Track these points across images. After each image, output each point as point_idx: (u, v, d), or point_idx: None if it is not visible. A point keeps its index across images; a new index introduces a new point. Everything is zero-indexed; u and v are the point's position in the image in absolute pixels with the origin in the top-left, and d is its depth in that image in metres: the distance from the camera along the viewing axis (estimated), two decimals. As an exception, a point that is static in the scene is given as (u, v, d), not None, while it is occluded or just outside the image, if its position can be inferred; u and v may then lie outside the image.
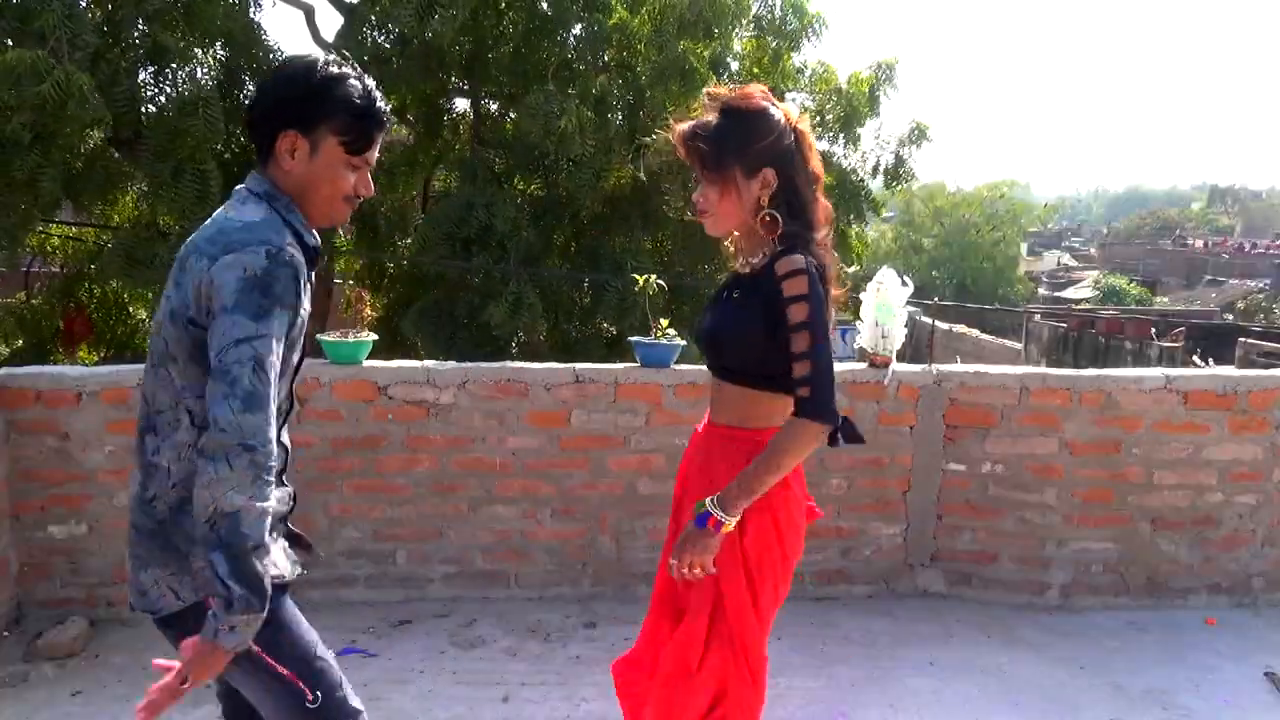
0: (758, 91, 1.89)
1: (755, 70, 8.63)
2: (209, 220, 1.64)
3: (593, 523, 3.81)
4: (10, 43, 5.00)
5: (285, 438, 1.76)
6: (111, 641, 3.41)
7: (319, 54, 1.69)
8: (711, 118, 1.87)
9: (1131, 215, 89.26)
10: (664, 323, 3.88)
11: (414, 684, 3.14)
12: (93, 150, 6.50)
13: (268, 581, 1.51)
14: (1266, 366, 13.58)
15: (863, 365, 3.82)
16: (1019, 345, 23.14)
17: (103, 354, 9.42)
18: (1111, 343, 20.68)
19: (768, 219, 1.85)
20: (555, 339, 8.59)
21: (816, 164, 1.92)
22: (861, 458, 3.84)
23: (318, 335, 3.75)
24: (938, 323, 22.54)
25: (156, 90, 6.11)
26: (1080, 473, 3.79)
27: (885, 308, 3.72)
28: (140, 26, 5.76)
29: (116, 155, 6.87)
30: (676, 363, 3.80)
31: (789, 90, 8.94)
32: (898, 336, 3.76)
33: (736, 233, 1.96)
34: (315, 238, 1.70)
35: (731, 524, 1.83)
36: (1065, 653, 3.47)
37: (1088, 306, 30.46)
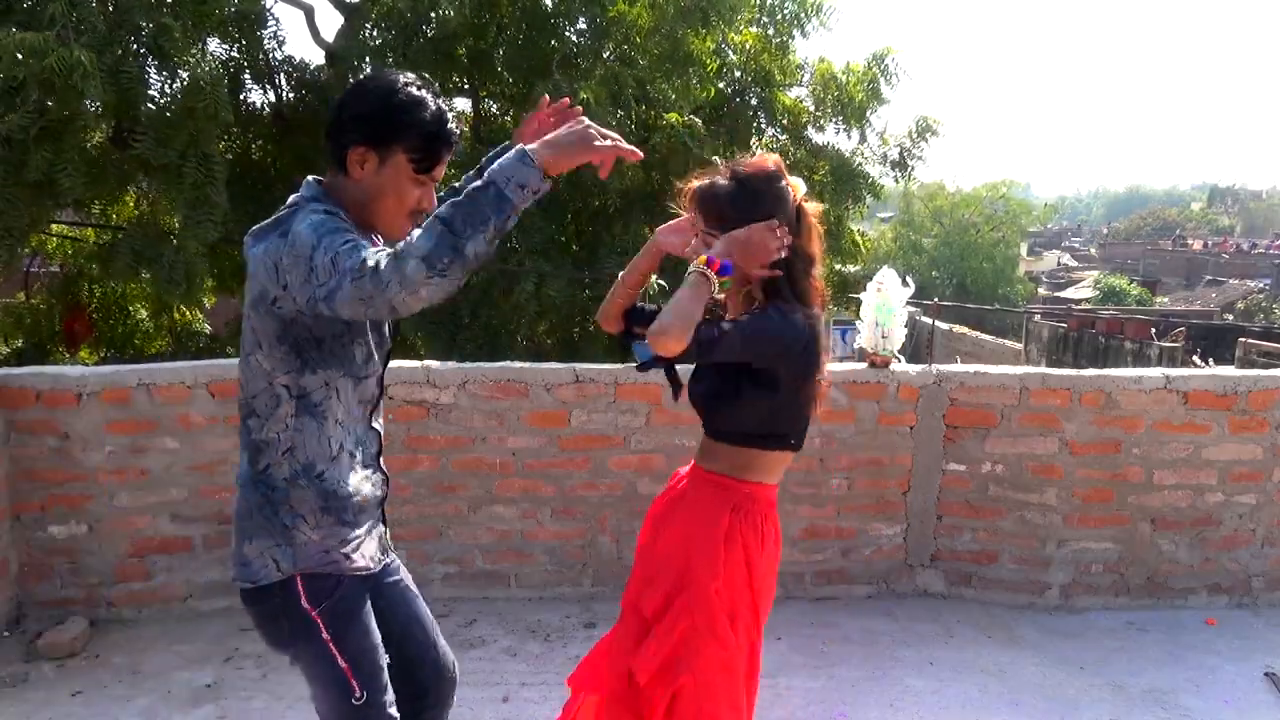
0: (771, 162, 1.96)
1: (758, 63, 8.61)
2: (260, 225, 1.74)
3: (593, 523, 3.81)
4: (14, 31, 4.98)
5: (378, 423, 1.90)
6: (111, 641, 3.41)
7: (402, 76, 1.75)
8: (724, 181, 1.94)
9: (1131, 215, 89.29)
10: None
11: (414, 684, 3.14)
12: (98, 147, 6.50)
13: (496, 176, 1.52)
14: (1266, 366, 13.59)
15: (863, 365, 3.82)
16: (1019, 345, 23.14)
17: (103, 354, 9.42)
18: (1111, 343, 20.68)
19: (763, 282, 1.92)
20: (557, 337, 8.59)
21: (816, 246, 1.98)
22: (861, 458, 3.84)
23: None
24: (938, 323, 22.55)
25: (160, 80, 6.08)
26: (1080, 473, 3.79)
27: (885, 308, 3.72)
28: (146, 16, 5.73)
29: (119, 154, 6.85)
30: (676, 363, 3.80)
31: (790, 85, 8.93)
32: (898, 337, 3.76)
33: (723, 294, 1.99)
34: (369, 237, 1.77)
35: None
36: (1065, 653, 3.47)
37: (1088, 306, 30.46)
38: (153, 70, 5.94)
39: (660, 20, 7.57)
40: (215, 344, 9.44)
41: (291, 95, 8.21)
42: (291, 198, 1.76)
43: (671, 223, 2.09)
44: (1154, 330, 20.29)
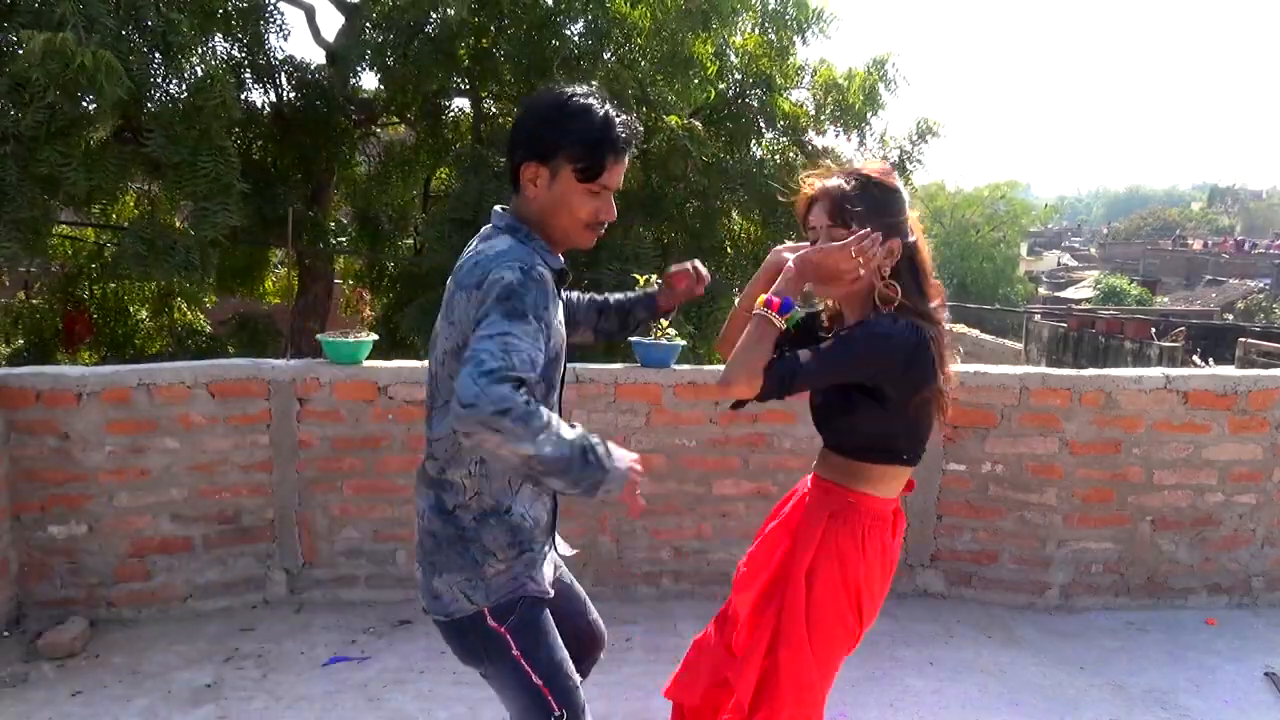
0: (892, 171, 1.96)
1: (758, 66, 8.61)
2: (464, 255, 1.78)
3: (593, 523, 3.81)
4: (35, 33, 4.98)
5: None
6: (111, 641, 3.41)
7: (572, 88, 1.77)
8: (853, 182, 1.89)
9: (1131, 215, 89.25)
10: (664, 323, 3.88)
11: (414, 684, 3.14)
12: (100, 142, 6.49)
13: (586, 443, 1.60)
14: (1266, 366, 13.59)
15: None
16: (1019, 345, 23.14)
17: (103, 354, 9.42)
18: (1111, 343, 20.68)
19: (888, 286, 1.86)
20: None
21: (928, 257, 1.96)
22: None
23: (318, 335, 3.74)
24: (938, 323, 22.48)
25: (167, 77, 6.09)
26: (1080, 473, 3.79)
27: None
28: (155, 12, 5.73)
29: (122, 150, 6.85)
30: (676, 363, 3.80)
31: (790, 89, 8.93)
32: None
33: (831, 300, 2.00)
34: (559, 260, 1.81)
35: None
36: (1065, 653, 3.47)
37: (1088, 306, 30.45)
38: (160, 67, 5.94)
39: (661, 22, 7.58)
40: (215, 344, 9.44)
41: (292, 95, 8.21)
42: (484, 229, 1.81)
43: (791, 244, 2.03)
44: (1154, 330, 20.29)
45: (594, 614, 2.16)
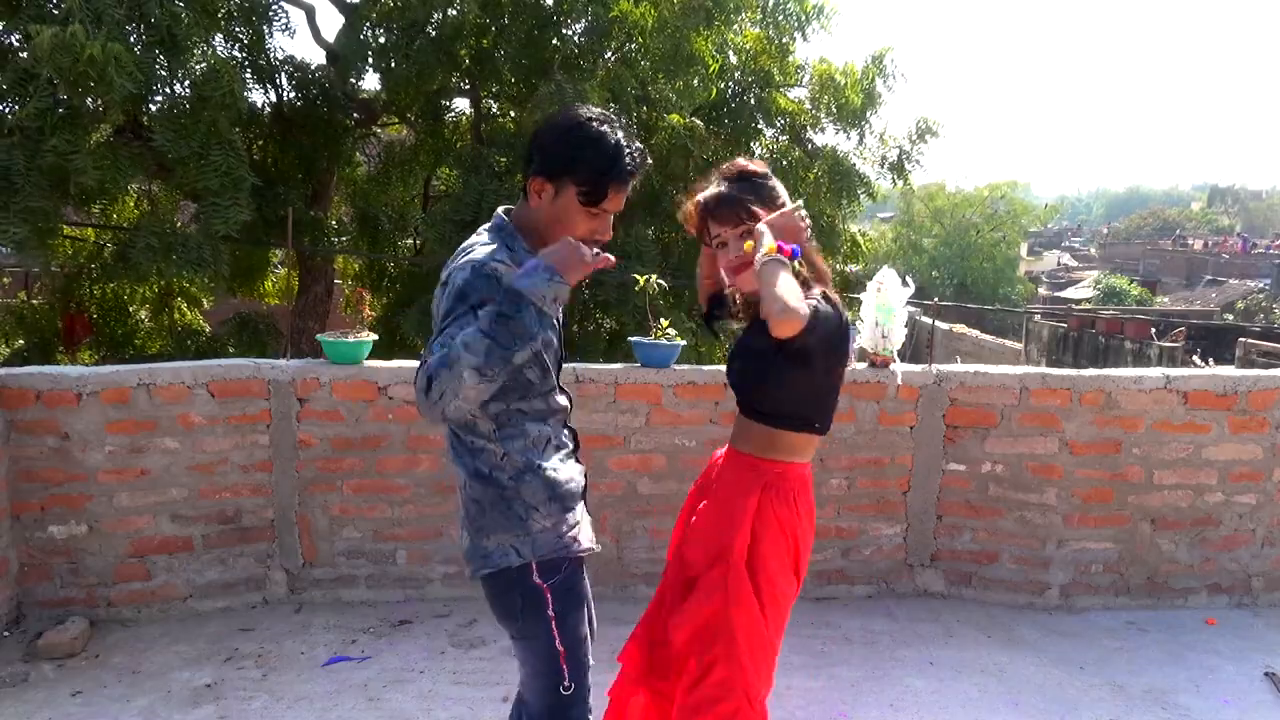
0: (759, 165, 2.13)
1: (758, 64, 8.61)
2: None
3: (593, 523, 3.80)
4: (43, 27, 4.97)
5: (572, 423, 2.06)
6: (111, 641, 3.41)
7: (589, 112, 1.87)
8: (730, 180, 2.08)
9: (1131, 215, 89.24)
10: (664, 323, 3.89)
11: (414, 684, 3.14)
12: (105, 143, 6.49)
13: (503, 308, 1.70)
14: (1266, 366, 13.58)
15: (863, 365, 3.82)
16: (1019, 345, 23.14)
17: (103, 354, 9.41)
18: (1111, 343, 20.68)
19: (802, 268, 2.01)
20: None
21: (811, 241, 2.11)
22: (861, 458, 3.85)
23: (318, 335, 3.74)
24: (938, 323, 22.53)
25: (171, 73, 6.08)
26: (1080, 473, 3.79)
27: (886, 308, 3.72)
28: (160, 7, 5.72)
29: (126, 148, 6.84)
30: (676, 363, 3.80)
31: (790, 86, 8.93)
32: (898, 337, 3.76)
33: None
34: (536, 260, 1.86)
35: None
36: (1065, 653, 3.47)
37: (1088, 306, 30.44)
38: (164, 64, 5.94)
39: (664, 20, 7.58)
40: (215, 344, 9.43)
41: (292, 95, 8.21)
42: (481, 227, 1.94)
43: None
44: (1154, 330, 20.28)
45: (593, 614, 2.20)
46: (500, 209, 1.96)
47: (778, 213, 2.02)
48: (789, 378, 2.02)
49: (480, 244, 1.87)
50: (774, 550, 2.04)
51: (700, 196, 2.09)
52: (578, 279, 1.77)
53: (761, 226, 1.97)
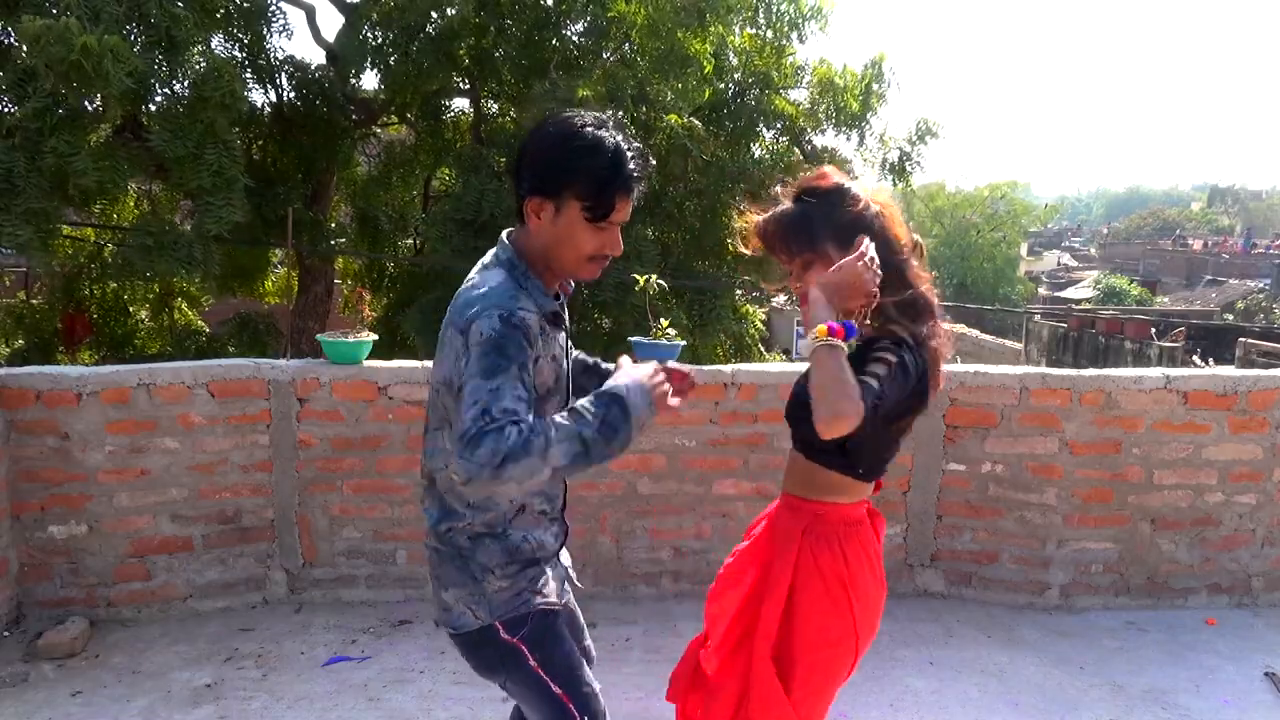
0: (831, 171, 1.86)
1: (755, 65, 8.60)
2: (463, 285, 1.75)
3: (592, 523, 3.81)
4: (35, 19, 4.97)
5: (545, 499, 1.87)
6: (111, 641, 3.41)
7: (581, 118, 1.69)
8: (789, 204, 1.83)
9: (1131, 215, 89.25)
10: (664, 323, 3.88)
11: (414, 684, 3.14)
12: (105, 143, 6.50)
13: (593, 420, 1.59)
14: (1266, 366, 13.58)
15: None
16: (1019, 345, 23.14)
17: (103, 354, 9.42)
18: (1111, 343, 20.68)
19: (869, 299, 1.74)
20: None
21: (902, 231, 1.84)
22: (861, 458, 3.84)
23: (318, 335, 3.73)
24: (938, 323, 22.47)
25: (170, 72, 6.08)
26: (1080, 473, 3.79)
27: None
28: (159, 6, 5.72)
29: (126, 148, 6.84)
30: (676, 363, 3.80)
31: (789, 88, 8.92)
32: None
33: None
34: (551, 303, 1.76)
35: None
36: (1065, 653, 3.47)
37: (1088, 306, 30.44)
38: (162, 63, 5.94)
39: (657, 19, 7.58)
40: (215, 344, 9.44)
41: (292, 95, 8.21)
42: (486, 255, 1.78)
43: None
44: (1154, 330, 20.28)
45: (588, 639, 2.14)
46: (504, 234, 1.79)
47: (835, 267, 1.70)
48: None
49: (492, 282, 1.68)
50: (815, 608, 1.79)
51: (757, 220, 1.85)
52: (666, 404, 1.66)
53: (815, 294, 1.68)
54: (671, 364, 1.82)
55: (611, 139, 1.66)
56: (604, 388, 1.64)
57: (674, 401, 1.69)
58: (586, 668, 1.90)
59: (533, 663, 1.79)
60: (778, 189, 1.91)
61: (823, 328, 1.63)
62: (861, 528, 1.86)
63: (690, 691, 2.06)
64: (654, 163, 1.90)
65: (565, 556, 2.02)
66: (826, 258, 1.76)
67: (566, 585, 1.99)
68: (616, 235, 1.73)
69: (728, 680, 1.91)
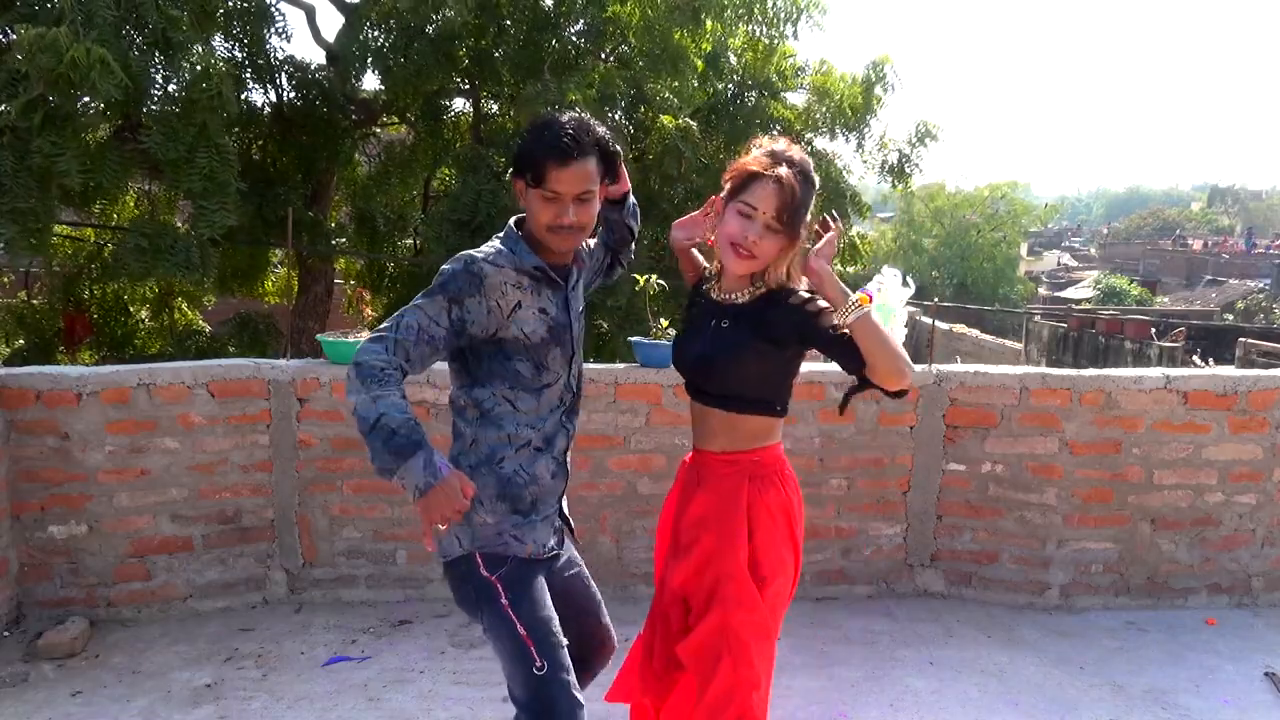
0: (780, 141, 2.05)
1: (750, 63, 8.59)
2: None
3: (592, 523, 3.81)
4: (28, 27, 4.97)
5: (572, 423, 2.08)
6: (111, 641, 3.41)
7: (556, 114, 1.92)
8: (802, 182, 1.99)
9: (1131, 215, 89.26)
10: (664, 323, 3.89)
11: (414, 684, 3.14)
12: (103, 143, 6.49)
13: (398, 438, 1.77)
14: (1266, 366, 13.58)
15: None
16: (1019, 345, 23.14)
17: (103, 354, 9.41)
18: (1111, 343, 20.68)
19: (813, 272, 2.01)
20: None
21: None
22: (861, 458, 3.84)
23: (318, 335, 3.73)
24: (938, 323, 22.53)
25: (167, 75, 6.07)
26: (1080, 473, 3.79)
27: (886, 309, 3.70)
28: (154, 9, 5.70)
29: (121, 149, 6.83)
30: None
31: (789, 90, 8.92)
32: (898, 337, 3.75)
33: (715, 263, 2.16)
34: (533, 258, 1.95)
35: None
36: (1065, 653, 3.47)
37: (1088, 306, 30.44)
38: (159, 65, 5.93)
39: (651, 19, 7.58)
40: (215, 344, 9.44)
41: (292, 95, 8.21)
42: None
43: (682, 219, 2.24)
44: (1154, 330, 20.28)
45: (606, 619, 2.23)
46: (514, 219, 2.03)
47: (825, 241, 2.01)
48: (759, 359, 2.03)
49: (484, 246, 1.95)
50: (771, 539, 2.05)
51: (785, 173, 1.95)
52: (430, 516, 1.79)
53: (822, 265, 1.96)
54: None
55: (562, 119, 1.88)
56: (426, 448, 1.78)
57: (430, 529, 1.84)
58: (556, 620, 1.99)
59: (504, 601, 1.93)
60: (779, 143, 2.03)
61: (864, 296, 1.91)
62: (787, 463, 2.14)
63: (644, 693, 2.22)
64: (620, 150, 2.03)
65: (565, 505, 2.14)
66: (798, 241, 2.01)
67: (568, 542, 2.17)
68: (566, 205, 1.88)
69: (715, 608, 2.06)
